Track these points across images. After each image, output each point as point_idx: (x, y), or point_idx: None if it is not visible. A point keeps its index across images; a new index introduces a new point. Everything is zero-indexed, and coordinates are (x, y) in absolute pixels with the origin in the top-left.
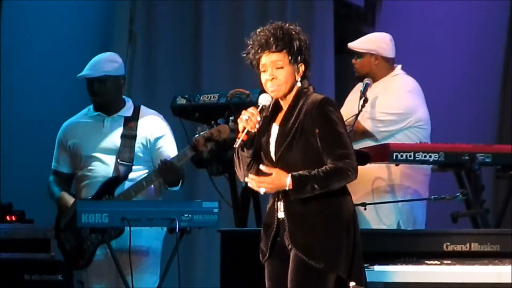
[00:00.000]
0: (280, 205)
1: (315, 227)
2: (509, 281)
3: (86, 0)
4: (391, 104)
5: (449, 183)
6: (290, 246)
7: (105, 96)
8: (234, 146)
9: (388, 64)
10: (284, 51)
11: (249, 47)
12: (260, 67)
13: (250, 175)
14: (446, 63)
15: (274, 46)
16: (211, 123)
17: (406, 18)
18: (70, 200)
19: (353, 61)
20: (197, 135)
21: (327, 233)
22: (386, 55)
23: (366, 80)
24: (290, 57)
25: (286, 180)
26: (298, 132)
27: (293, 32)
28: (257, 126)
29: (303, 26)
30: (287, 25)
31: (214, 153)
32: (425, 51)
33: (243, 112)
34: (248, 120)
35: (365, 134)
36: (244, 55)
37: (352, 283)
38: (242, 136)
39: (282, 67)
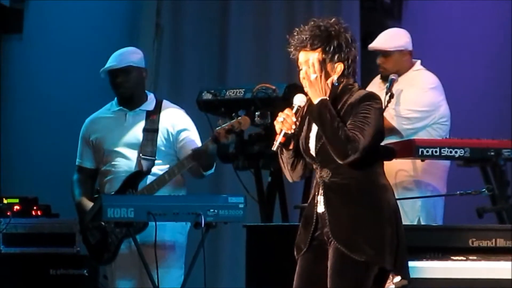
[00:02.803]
0: (320, 199)
1: (356, 219)
2: None
3: None
4: (417, 101)
5: (468, 177)
6: (330, 240)
7: (129, 87)
8: (272, 148)
9: (411, 58)
10: (319, 50)
11: (290, 44)
12: (299, 64)
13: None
14: (472, 58)
15: (309, 45)
16: (232, 115)
17: (433, 12)
18: (89, 204)
19: (379, 61)
20: (218, 128)
21: (369, 225)
22: (411, 49)
23: (392, 76)
24: (324, 56)
25: (325, 96)
26: None
27: (333, 31)
28: (294, 127)
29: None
30: (329, 22)
31: (239, 147)
32: (452, 45)
33: (279, 114)
34: (284, 121)
35: (392, 131)
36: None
37: (397, 277)
38: (279, 138)
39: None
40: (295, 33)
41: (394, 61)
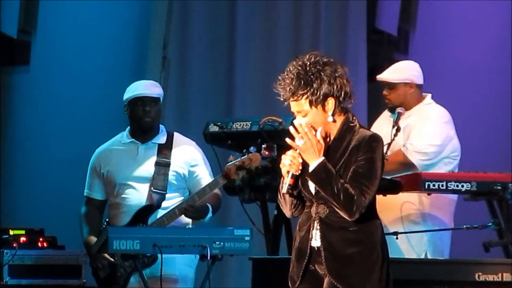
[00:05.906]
0: (315, 233)
1: (353, 257)
2: None
3: (119, 25)
4: (434, 135)
5: (474, 211)
6: (326, 276)
7: (153, 118)
8: (282, 192)
9: (420, 91)
10: (304, 98)
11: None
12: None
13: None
14: (480, 91)
15: (293, 96)
16: (243, 151)
17: (440, 46)
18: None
19: (385, 92)
20: (229, 164)
21: (366, 264)
22: (419, 82)
23: (398, 109)
24: (309, 101)
25: (320, 158)
26: (343, 167)
27: (312, 73)
28: (300, 167)
29: (335, 54)
30: (306, 64)
31: (246, 180)
32: (460, 78)
33: (283, 156)
34: (291, 164)
35: (409, 167)
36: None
37: None
38: (288, 181)
39: (306, 114)
40: (278, 84)
41: (398, 93)
